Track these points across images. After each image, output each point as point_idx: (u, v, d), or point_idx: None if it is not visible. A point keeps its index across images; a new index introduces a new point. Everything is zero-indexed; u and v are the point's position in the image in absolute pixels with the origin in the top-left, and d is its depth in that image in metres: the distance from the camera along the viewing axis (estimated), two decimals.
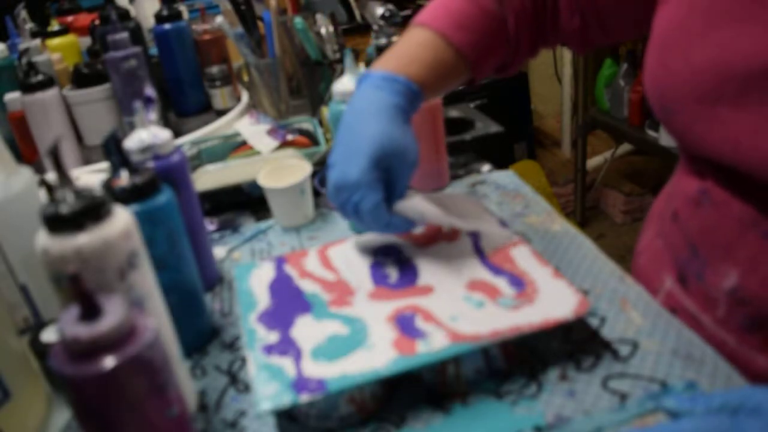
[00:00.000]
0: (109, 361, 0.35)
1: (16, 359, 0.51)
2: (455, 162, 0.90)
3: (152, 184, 0.53)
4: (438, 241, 0.62)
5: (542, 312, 0.50)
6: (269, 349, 0.50)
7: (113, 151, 0.51)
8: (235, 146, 0.92)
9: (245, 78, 1.19)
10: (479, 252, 0.60)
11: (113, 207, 0.43)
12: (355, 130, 0.58)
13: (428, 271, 0.58)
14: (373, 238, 0.64)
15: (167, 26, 1.08)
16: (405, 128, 0.58)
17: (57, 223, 0.40)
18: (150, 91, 0.60)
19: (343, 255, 0.63)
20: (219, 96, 1.12)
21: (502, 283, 0.55)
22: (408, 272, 0.59)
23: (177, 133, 0.92)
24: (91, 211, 0.41)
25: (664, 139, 1.88)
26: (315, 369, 0.47)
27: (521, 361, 0.51)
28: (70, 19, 1.38)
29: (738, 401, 0.40)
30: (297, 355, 0.49)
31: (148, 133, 0.59)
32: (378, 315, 0.52)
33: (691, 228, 0.56)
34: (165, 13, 1.08)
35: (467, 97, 1.87)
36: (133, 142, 0.58)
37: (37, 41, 1.12)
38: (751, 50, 0.45)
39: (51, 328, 0.54)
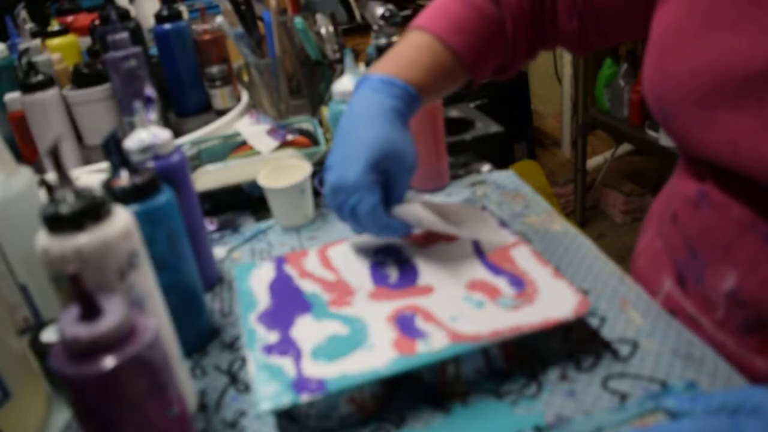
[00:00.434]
0: (109, 361, 0.35)
1: (16, 359, 0.51)
2: (455, 162, 0.90)
3: (152, 184, 0.53)
4: (438, 241, 0.62)
5: (542, 312, 0.50)
6: (269, 349, 0.50)
7: (113, 151, 0.51)
8: (235, 146, 0.92)
9: (245, 78, 1.19)
10: (479, 252, 0.60)
11: (113, 207, 0.43)
12: (353, 133, 0.58)
13: (428, 271, 0.58)
14: (373, 238, 0.64)
15: (167, 26, 1.08)
16: (403, 131, 0.58)
17: (57, 223, 0.40)
18: (150, 91, 0.60)
19: (343, 255, 0.63)
20: (219, 96, 1.12)
21: (502, 283, 0.55)
22: (408, 272, 0.59)
23: (177, 133, 0.92)
24: (91, 211, 0.41)
25: (664, 139, 1.88)
26: (315, 369, 0.47)
27: (521, 361, 0.51)
28: (70, 19, 1.38)
29: (738, 401, 0.40)
30: (297, 355, 0.49)
31: (148, 133, 0.59)
32: (378, 315, 0.52)
33: (690, 229, 0.56)
34: (165, 13, 1.08)
35: (467, 97, 1.87)
36: (133, 142, 0.58)
37: (37, 41, 1.12)
38: (749, 52, 0.45)
39: (51, 328, 0.54)
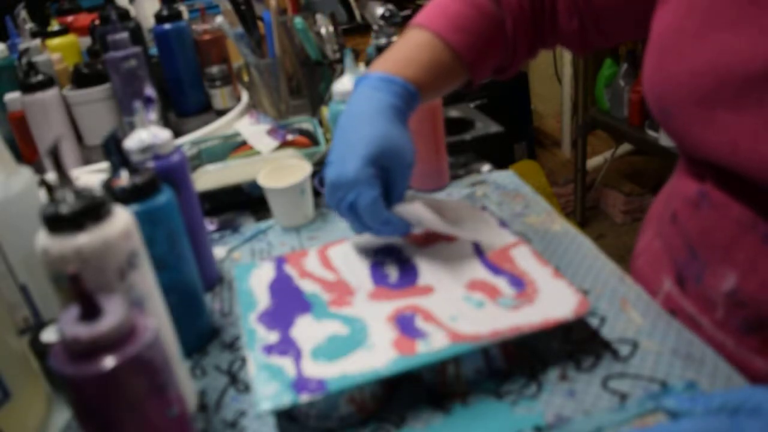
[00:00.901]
0: (109, 361, 0.35)
1: (16, 359, 0.51)
2: (455, 162, 0.90)
3: (152, 184, 0.53)
4: (438, 241, 0.62)
5: (542, 312, 0.50)
6: (269, 349, 0.50)
7: (113, 151, 0.51)
8: (235, 146, 0.92)
9: (245, 78, 1.19)
10: (479, 252, 0.60)
11: (113, 207, 0.43)
12: (352, 130, 0.58)
13: (428, 271, 0.58)
14: (373, 238, 0.64)
15: (167, 26, 1.08)
16: (402, 129, 0.58)
17: (57, 223, 0.40)
18: (150, 91, 0.60)
19: (343, 255, 0.63)
20: (219, 96, 1.12)
21: (502, 283, 0.55)
22: (408, 272, 0.59)
23: (177, 133, 0.92)
24: (91, 211, 0.41)
25: (664, 139, 1.88)
26: (315, 369, 0.47)
27: (521, 361, 0.51)
28: (70, 19, 1.38)
29: (738, 401, 0.40)
30: (297, 355, 0.49)
31: (148, 133, 0.59)
32: (378, 315, 0.52)
33: (690, 230, 0.56)
34: (165, 13, 1.08)
35: (467, 97, 1.87)
36: (133, 142, 0.58)
37: (37, 41, 1.12)
38: (749, 53, 0.45)
39: (51, 328, 0.54)
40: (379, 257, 0.61)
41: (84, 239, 0.40)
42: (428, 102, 0.67)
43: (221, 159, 0.91)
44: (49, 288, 0.42)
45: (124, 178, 0.52)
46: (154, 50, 1.17)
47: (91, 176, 0.81)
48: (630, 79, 2.03)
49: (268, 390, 0.45)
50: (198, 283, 0.59)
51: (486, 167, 0.88)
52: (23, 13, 1.24)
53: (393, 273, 0.59)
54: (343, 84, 0.76)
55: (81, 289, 0.36)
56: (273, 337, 0.51)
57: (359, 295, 0.56)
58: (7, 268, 0.55)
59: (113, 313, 0.36)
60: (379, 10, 0.92)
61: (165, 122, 1.09)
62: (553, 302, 0.51)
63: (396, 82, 0.59)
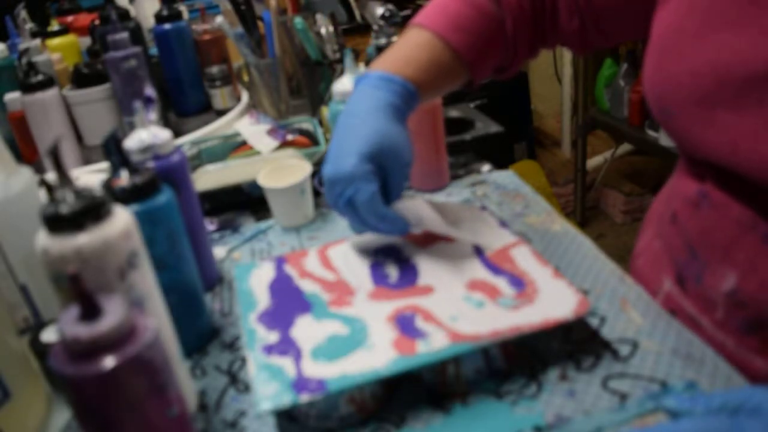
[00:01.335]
0: (109, 361, 0.35)
1: (16, 359, 0.51)
2: (455, 162, 0.90)
3: (152, 184, 0.53)
4: (438, 241, 0.62)
5: (542, 312, 0.50)
6: (269, 349, 0.50)
7: (113, 151, 0.51)
8: (235, 146, 0.92)
9: (245, 78, 1.19)
10: (479, 252, 0.60)
11: (113, 207, 0.43)
12: (350, 128, 0.58)
13: (428, 271, 0.58)
14: (373, 238, 0.64)
15: (167, 26, 1.08)
16: (400, 127, 0.58)
17: (57, 223, 0.40)
18: (150, 91, 0.60)
19: (343, 255, 0.63)
20: (219, 96, 1.12)
21: (502, 283, 0.55)
22: (408, 272, 0.59)
23: (177, 133, 0.92)
24: (91, 211, 0.41)
25: (664, 139, 1.88)
26: (315, 369, 0.47)
27: (521, 361, 0.51)
28: (70, 19, 1.38)
29: (738, 401, 0.40)
30: (297, 355, 0.49)
31: (148, 133, 0.59)
32: (378, 315, 0.52)
33: (690, 230, 0.56)
34: (165, 13, 1.08)
35: (467, 97, 1.87)
36: (133, 142, 0.58)
37: (37, 41, 1.12)
38: (749, 53, 0.45)
39: (51, 328, 0.54)
40: (379, 257, 0.61)
41: (84, 239, 0.40)
42: (428, 102, 0.67)
43: (221, 159, 0.91)
44: (49, 288, 0.42)
45: (124, 178, 0.52)
46: (154, 50, 1.17)
47: (91, 176, 0.81)
48: (630, 79, 2.03)
49: (268, 390, 0.45)
50: (198, 283, 0.59)
51: (486, 167, 0.88)
52: (23, 13, 1.24)
53: (393, 273, 0.59)
54: (343, 84, 0.76)
55: (81, 289, 0.36)
56: (273, 337, 0.51)
57: (359, 295, 0.56)
58: (7, 268, 0.55)
59: (113, 313, 0.36)
60: (379, 10, 0.92)
61: (165, 122, 1.09)
62: (553, 302, 0.51)
63: (395, 81, 0.59)
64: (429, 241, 0.63)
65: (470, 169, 0.88)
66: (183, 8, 1.23)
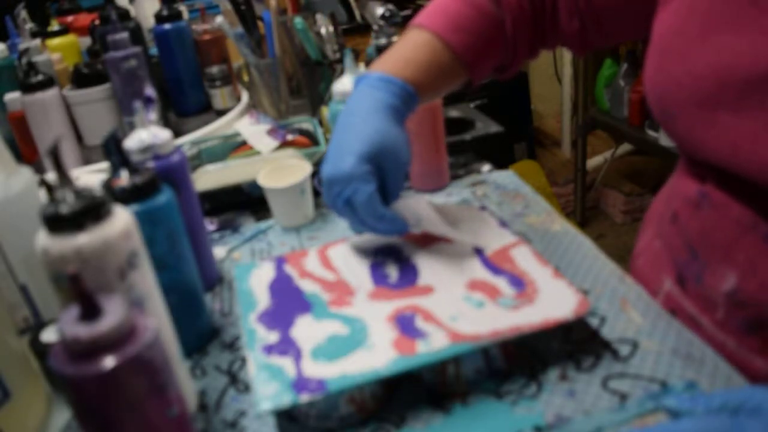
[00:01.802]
0: (109, 361, 0.35)
1: (16, 359, 0.51)
2: (455, 162, 0.90)
3: (152, 184, 0.53)
4: (438, 240, 0.62)
5: (542, 312, 0.50)
6: (269, 349, 0.50)
7: (113, 151, 0.51)
8: (235, 146, 0.92)
9: (245, 78, 1.19)
10: (479, 252, 0.60)
11: (113, 207, 0.43)
12: (349, 128, 0.58)
13: (428, 271, 0.58)
14: (373, 238, 0.64)
15: (167, 26, 1.08)
16: (399, 128, 0.59)
17: (57, 223, 0.40)
18: (150, 91, 0.60)
19: (343, 255, 0.63)
20: (219, 96, 1.12)
21: (502, 283, 0.55)
22: (408, 272, 0.59)
23: (177, 133, 0.92)
24: (91, 211, 0.41)
25: (664, 139, 1.88)
26: (315, 369, 0.47)
27: (521, 361, 0.51)
28: (70, 19, 1.38)
29: (738, 401, 0.40)
30: (297, 355, 0.49)
31: (148, 133, 0.59)
32: (378, 315, 0.52)
33: (691, 230, 0.56)
34: (165, 13, 1.08)
35: (467, 97, 1.87)
36: (133, 142, 0.58)
37: (37, 41, 1.12)
38: (750, 55, 0.45)
39: (51, 328, 0.54)
40: (379, 257, 0.61)
41: (84, 239, 0.40)
42: (428, 102, 0.67)
43: (221, 159, 0.91)
44: (49, 288, 0.42)
45: (124, 178, 0.52)
46: (154, 50, 1.17)
47: (91, 176, 0.81)
48: (630, 79, 2.03)
49: (268, 390, 0.45)
50: (198, 283, 0.59)
51: (486, 167, 0.88)
52: (23, 13, 1.24)
53: (393, 273, 0.59)
54: (343, 84, 0.76)
55: (81, 289, 0.36)
56: (273, 337, 0.51)
57: (359, 295, 0.56)
58: (7, 268, 0.55)
59: (113, 313, 0.36)
60: (379, 10, 0.92)
61: (165, 122, 1.09)
62: (553, 302, 0.51)
63: (394, 82, 0.59)
64: (429, 240, 0.63)
65: (470, 169, 0.88)
66: (183, 8, 1.23)
